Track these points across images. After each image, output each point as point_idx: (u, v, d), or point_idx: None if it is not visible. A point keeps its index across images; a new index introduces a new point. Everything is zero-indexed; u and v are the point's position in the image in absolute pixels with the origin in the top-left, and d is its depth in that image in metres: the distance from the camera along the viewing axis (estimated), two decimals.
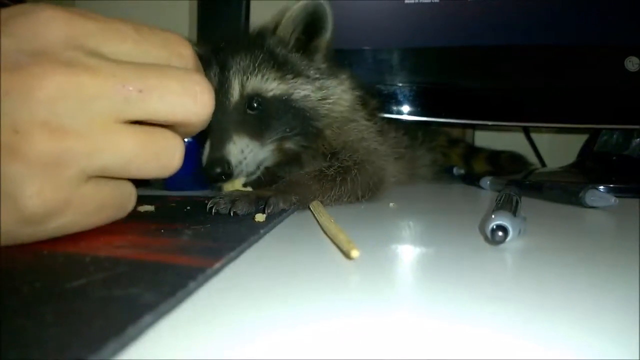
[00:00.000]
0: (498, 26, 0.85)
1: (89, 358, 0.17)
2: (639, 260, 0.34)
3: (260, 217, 0.46)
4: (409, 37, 0.88)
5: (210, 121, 0.61)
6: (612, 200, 0.56)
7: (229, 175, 0.57)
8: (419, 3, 0.87)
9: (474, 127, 1.21)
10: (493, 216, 0.38)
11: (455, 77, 0.91)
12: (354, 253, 0.32)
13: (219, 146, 0.58)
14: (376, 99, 0.82)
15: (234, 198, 0.50)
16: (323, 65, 0.67)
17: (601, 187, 0.71)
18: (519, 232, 0.39)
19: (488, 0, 0.85)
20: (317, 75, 0.65)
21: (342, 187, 0.58)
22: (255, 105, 0.61)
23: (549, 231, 0.47)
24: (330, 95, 0.65)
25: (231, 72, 0.62)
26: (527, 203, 0.56)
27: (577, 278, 0.30)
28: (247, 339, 0.21)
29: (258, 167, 0.61)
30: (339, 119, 0.66)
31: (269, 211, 0.49)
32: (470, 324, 0.22)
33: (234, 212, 0.48)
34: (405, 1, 0.88)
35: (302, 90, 0.64)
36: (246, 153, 0.59)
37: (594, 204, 0.57)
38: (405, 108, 0.91)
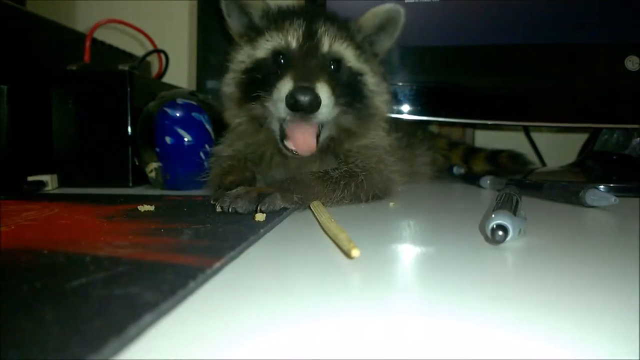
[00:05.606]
0: (498, 25, 0.85)
1: (89, 358, 0.17)
2: (639, 260, 0.34)
3: (260, 217, 0.46)
4: (409, 36, 0.88)
5: (295, 55, 0.62)
6: (612, 199, 0.56)
7: (314, 108, 0.56)
8: (419, 2, 0.87)
9: (474, 126, 1.21)
10: (493, 215, 0.38)
11: (456, 77, 0.91)
12: (355, 252, 0.32)
13: (310, 79, 0.57)
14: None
15: (237, 195, 0.50)
16: (381, 70, 0.71)
17: (601, 186, 0.71)
18: (519, 231, 0.39)
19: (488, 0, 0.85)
20: (377, 72, 0.70)
21: (346, 191, 0.59)
22: (334, 67, 0.63)
23: (549, 231, 0.47)
24: (382, 94, 0.69)
25: (321, 30, 0.63)
26: (527, 202, 0.56)
27: (577, 277, 0.30)
28: (247, 339, 0.21)
29: (323, 134, 0.62)
30: (378, 120, 0.69)
31: (263, 209, 0.49)
32: (470, 323, 0.22)
33: (234, 209, 0.48)
34: (406, 0, 0.88)
35: (369, 77, 0.67)
36: (328, 102, 0.59)
37: (594, 204, 0.57)
38: (406, 107, 0.91)
